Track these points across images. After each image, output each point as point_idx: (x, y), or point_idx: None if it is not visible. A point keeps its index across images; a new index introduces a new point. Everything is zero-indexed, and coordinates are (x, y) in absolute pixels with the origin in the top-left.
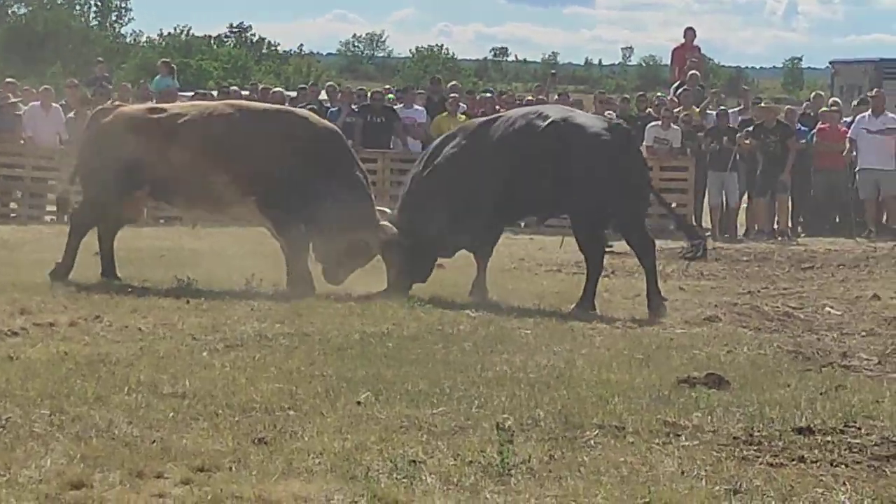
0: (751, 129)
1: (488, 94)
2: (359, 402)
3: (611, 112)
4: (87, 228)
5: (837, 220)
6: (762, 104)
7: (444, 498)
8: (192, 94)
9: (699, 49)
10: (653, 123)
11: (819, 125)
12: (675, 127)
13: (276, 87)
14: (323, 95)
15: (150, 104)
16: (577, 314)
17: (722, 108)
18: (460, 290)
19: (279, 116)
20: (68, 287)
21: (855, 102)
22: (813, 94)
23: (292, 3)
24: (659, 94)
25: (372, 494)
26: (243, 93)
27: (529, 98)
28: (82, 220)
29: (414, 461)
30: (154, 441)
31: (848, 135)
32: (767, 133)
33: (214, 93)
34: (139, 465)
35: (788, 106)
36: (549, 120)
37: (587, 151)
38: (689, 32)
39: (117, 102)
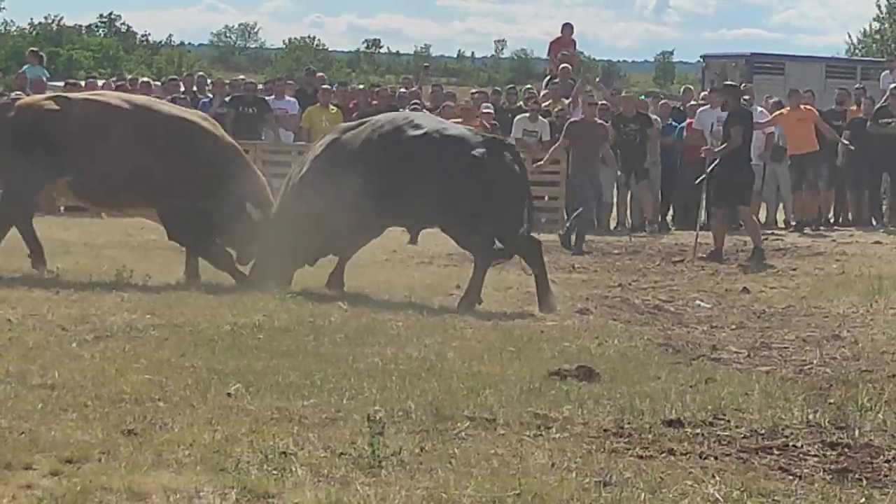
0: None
1: (360, 87)
2: (229, 394)
3: (488, 105)
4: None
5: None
6: (622, 94)
7: (314, 490)
8: (63, 84)
9: (575, 44)
10: (520, 115)
11: (688, 119)
12: (544, 119)
13: (145, 77)
14: (194, 86)
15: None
16: (462, 308)
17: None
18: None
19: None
20: None
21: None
22: (683, 88)
23: None
24: (528, 86)
25: (242, 486)
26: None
27: (402, 90)
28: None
29: (284, 453)
30: (22, 432)
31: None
32: (627, 122)
33: (83, 83)
34: (7, 456)
35: (664, 101)
36: (422, 130)
37: (458, 164)
38: (567, 28)
39: (14, 95)
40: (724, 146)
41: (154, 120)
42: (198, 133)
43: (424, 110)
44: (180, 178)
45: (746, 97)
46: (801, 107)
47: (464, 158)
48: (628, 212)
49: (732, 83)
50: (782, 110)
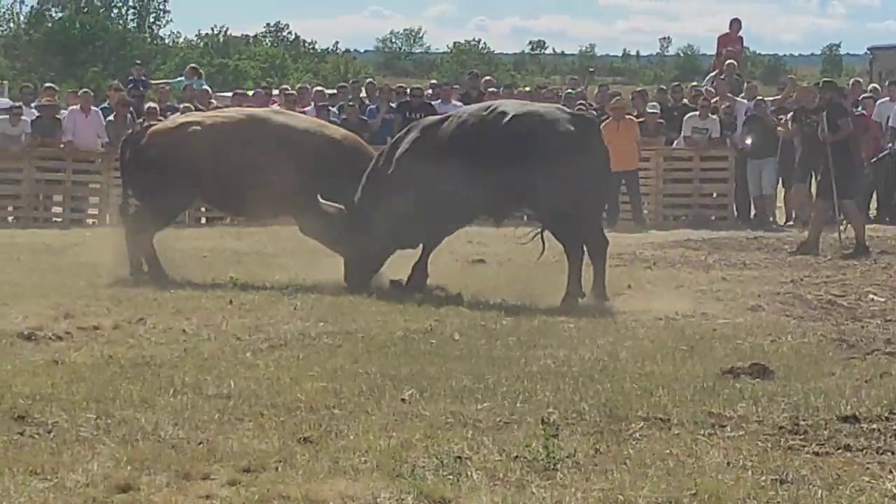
0: (790, 114)
1: (527, 89)
2: (403, 400)
3: (654, 104)
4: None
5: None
6: (803, 85)
7: (490, 494)
8: (231, 94)
9: (742, 40)
10: (690, 114)
11: (858, 112)
12: (714, 117)
13: (315, 85)
14: (363, 93)
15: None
16: (565, 307)
17: (759, 97)
18: (501, 286)
19: None
20: (111, 290)
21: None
22: (851, 80)
23: (328, 1)
24: (693, 83)
25: (418, 491)
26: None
27: (569, 91)
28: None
29: (459, 457)
30: (200, 442)
31: (890, 122)
32: (808, 114)
33: (250, 93)
34: (186, 466)
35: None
36: (510, 115)
37: (553, 144)
38: (735, 23)
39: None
40: None
41: (273, 132)
42: (317, 138)
43: (591, 111)
44: (308, 184)
45: None
46: None
47: (553, 137)
48: (799, 207)
49: None
50: None
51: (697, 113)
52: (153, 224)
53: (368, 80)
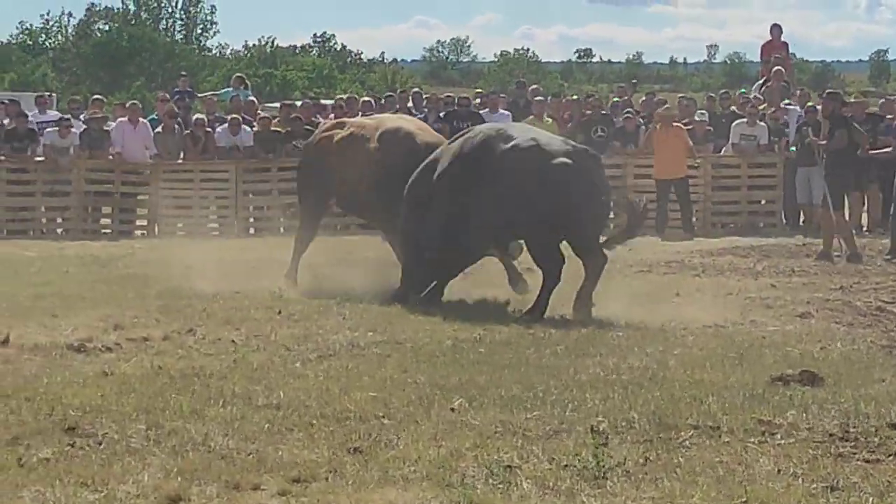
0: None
1: (574, 97)
2: (452, 409)
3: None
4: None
5: None
6: (852, 98)
7: (540, 502)
8: (279, 105)
9: (786, 46)
10: (738, 121)
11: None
12: (762, 124)
13: (362, 96)
14: (410, 103)
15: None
16: (524, 319)
17: (809, 103)
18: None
19: None
20: (161, 301)
21: None
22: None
23: (374, 11)
24: (742, 90)
25: (468, 501)
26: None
27: (616, 99)
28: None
29: (509, 466)
30: (250, 453)
31: None
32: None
33: (298, 103)
34: (236, 477)
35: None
36: (511, 142)
37: (545, 176)
38: (775, 29)
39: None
40: None
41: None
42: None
43: (638, 118)
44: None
45: None
46: None
47: (542, 169)
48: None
49: None
50: None
51: (745, 120)
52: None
53: (415, 89)
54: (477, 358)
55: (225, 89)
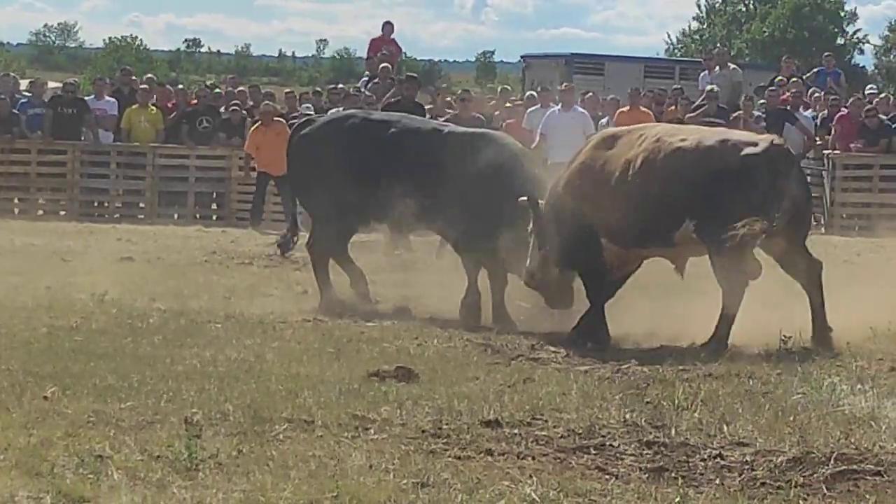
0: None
1: (180, 87)
2: (45, 397)
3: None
4: None
5: None
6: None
7: (130, 493)
8: None
9: (396, 43)
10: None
11: (507, 120)
12: None
13: None
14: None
15: None
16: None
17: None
18: (149, 283)
19: None
20: None
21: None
22: (500, 88)
23: None
24: (340, 84)
25: (57, 490)
26: None
27: (218, 90)
28: None
29: (100, 456)
30: None
31: (539, 130)
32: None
33: None
34: None
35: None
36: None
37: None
38: (388, 26)
39: None
40: None
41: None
42: None
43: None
44: None
45: None
46: (640, 108)
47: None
48: None
49: None
50: (622, 109)
51: None
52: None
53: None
54: (72, 346)
55: None
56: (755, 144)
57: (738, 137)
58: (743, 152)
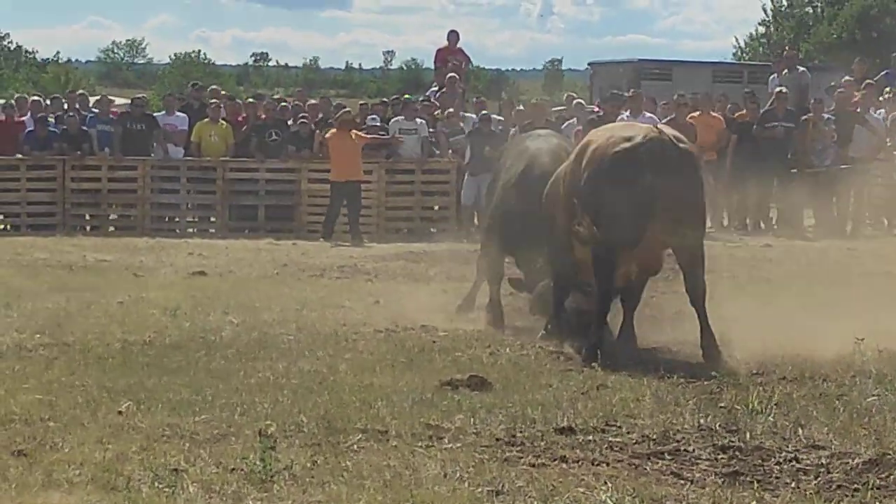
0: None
1: (251, 100)
2: (120, 412)
3: (374, 116)
4: None
5: None
6: (532, 101)
7: None
8: None
9: (462, 52)
10: (396, 118)
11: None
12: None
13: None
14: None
15: None
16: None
17: (484, 112)
18: (221, 297)
19: None
20: None
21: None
22: (566, 95)
23: (48, 10)
24: (406, 95)
25: None
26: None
27: (285, 104)
28: None
29: (176, 470)
30: None
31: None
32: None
33: None
34: None
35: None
36: None
37: None
38: (453, 35)
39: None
40: None
41: None
42: None
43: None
44: None
45: None
46: (711, 113)
47: None
48: None
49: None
50: (694, 114)
51: (402, 116)
52: None
53: (80, 91)
54: (146, 361)
55: None
56: (629, 140)
57: (623, 133)
58: (616, 149)
